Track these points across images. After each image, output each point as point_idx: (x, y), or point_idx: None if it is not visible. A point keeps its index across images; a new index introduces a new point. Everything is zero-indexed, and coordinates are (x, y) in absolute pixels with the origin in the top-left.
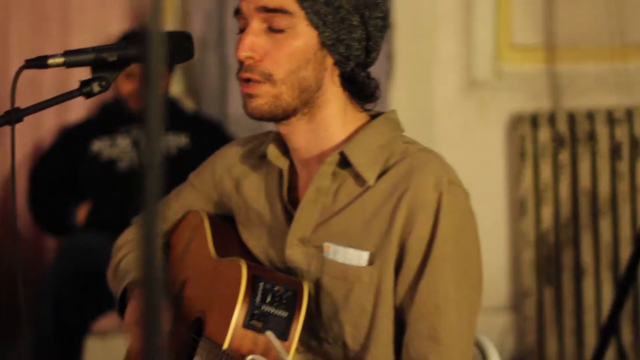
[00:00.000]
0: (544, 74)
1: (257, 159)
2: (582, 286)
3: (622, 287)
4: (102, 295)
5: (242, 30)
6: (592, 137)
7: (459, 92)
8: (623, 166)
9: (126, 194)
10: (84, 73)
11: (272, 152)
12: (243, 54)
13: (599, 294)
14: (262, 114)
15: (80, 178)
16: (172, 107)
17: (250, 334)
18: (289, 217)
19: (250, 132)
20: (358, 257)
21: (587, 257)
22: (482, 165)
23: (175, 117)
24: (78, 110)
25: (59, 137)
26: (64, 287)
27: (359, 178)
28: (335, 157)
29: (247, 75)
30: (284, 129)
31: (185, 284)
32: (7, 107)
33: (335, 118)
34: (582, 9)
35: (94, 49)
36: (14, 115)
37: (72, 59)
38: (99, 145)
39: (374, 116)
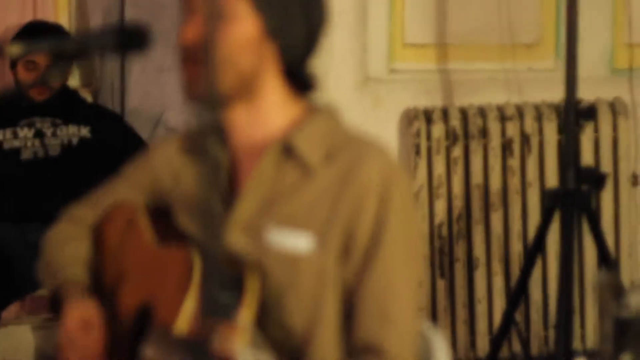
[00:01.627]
0: (437, 71)
1: (194, 150)
2: (474, 278)
3: (523, 274)
4: (7, 285)
5: (185, 13)
6: (484, 133)
7: (354, 88)
8: (514, 162)
9: (29, 184)
10: None
11: (212, 141)
12: (182, 41)
13: (490, 286)
14: (197, 98)
15: None
16: (73, 98)
17: (200, 318)
18: (229, 205)
19: (148, 126)
20: (301, 242)
21: (479, 249)
22: None
23: (77, 108)
24: None
25: None
26: None
27: (302, 164)
28: (278, 144)
29: (189, 60)
30: (224, 117)
31: (123, 275)
32: None
33: (276, 108)
34: (473, 9)
35: (53, 39)
36: None
37: (31, 47)
38: (1, 136)
39: (312, 109)
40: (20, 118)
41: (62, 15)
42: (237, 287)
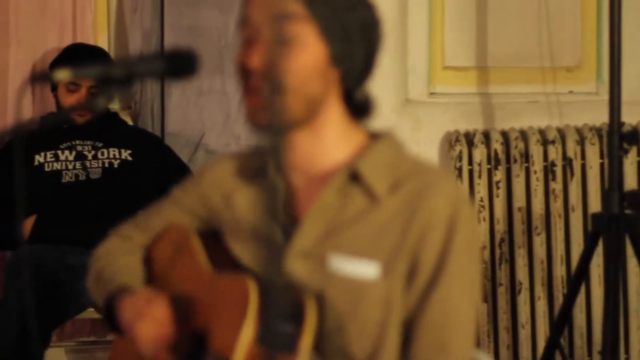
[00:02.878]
0: (477, 95)
1: (249, 173)
2: (517, 302)
3: (568, 300)
4: (53, 307)
5: (247, 41)
6: (526, 156)
7: (393, 111)
8: (556, 185)
9: (70, 206)
10: None
11: (270, 166)
12: (255, 63)
13: (533, 311)
14: (265, 125)
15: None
16: (114, 121)
17: (259, 350)
18: (287, 232)
19: (188, 149)
20: (367, 270)
21: (521, 274)
22: None
23: (118, 131)
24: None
25: (1, 150)
26: (21, 302)
27: (368, 193)
28: (345, 172)
29: (256, 85)
30: (284, 141)
31: (175, 299)
32: None
33: (337, 133)
34: (513, 32)
35: (100, 64)
36: (19, 130)
37: (79, 73)
38: (42, 158)
39: (373, 135)
40: (61, 140)
41: (101, 38)
42: (296, 317)
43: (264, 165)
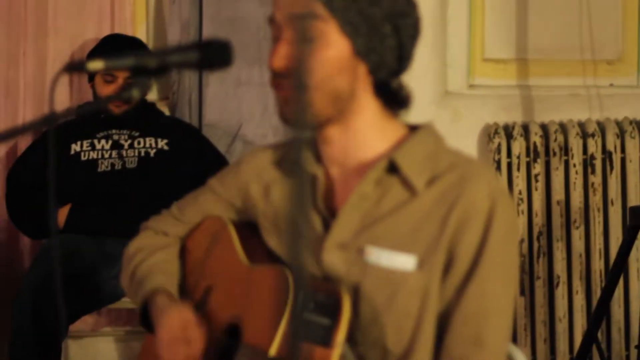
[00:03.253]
0: (517, 87)
1: (287, 165)
2: (555, 296)
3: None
4: (82, 297)
5: (275, 39)
6: (565, 149)
7: (433, 103)
8: (596, 179)
9: (106, 195)
10: None
11: (308, 159)
12: (275, 62)
13: (571, 304)
14: (294, 120)
15: (60, 180)
16: (151, 111)
17: (296, 342)
18: (325, 224)
19: (226, 139)
20: (404, 262)
21: (559, 267)
22: None
23: (155, 121)
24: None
25: (37, 139)
26: (44, 290)
27: (406, 185)
28: (383, 163)
29: (281, 82)
30: (319, 136)
31: (211, 289)
32: None
33: (371, 126)
34: (554, 24)
35: (134, 54)
36: (53, 119)
37: (112, 63)
38: (78, 147)
39: (412, 127)
40: (97, 130)
41: (140, 29)
42: (331, 309)
43: (299, 156)
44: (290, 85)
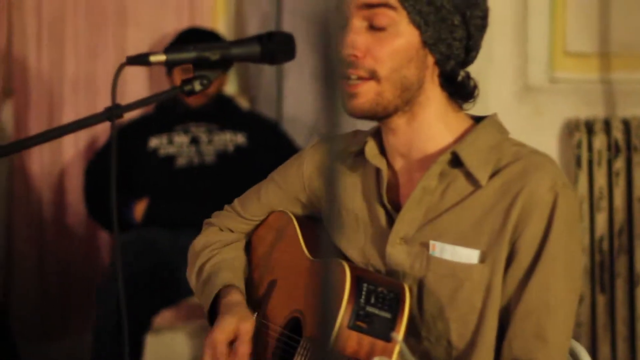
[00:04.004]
0: (599, 81)
1: (351, 157)
2: (636, 294)
3: None
4: (160, 291)
5: (342, 27)
6: None
7: (514, 98)
8: None
9: (184, 190)
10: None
11: (370, 150)
12: (346, 50)
13: None
14: (363, 112)
15: (137, 174)
16: (229, 105)
17: (354, 334)
18: (389, 217)
19: (306, 132)
20: (468, 255)
21: None
22: None
23: (233, 115)
24: None
25: (116, 134)
26: (124, 285)
27: (470, 178)
28: (447, 157)
29: (351, 71)
30: (385, 127)
31: (275, 283)
32: (64, 101)
33: (436, 118)
34: (636, 17)
35: (195, 47)
36: (115, 112)
37: (174, 56)
38: (157, 142)
39: (476, 119)
40: (175, 124)
41: (220, 21)
42: (393, 303)
43: (363, 150)
44: (357, 74)
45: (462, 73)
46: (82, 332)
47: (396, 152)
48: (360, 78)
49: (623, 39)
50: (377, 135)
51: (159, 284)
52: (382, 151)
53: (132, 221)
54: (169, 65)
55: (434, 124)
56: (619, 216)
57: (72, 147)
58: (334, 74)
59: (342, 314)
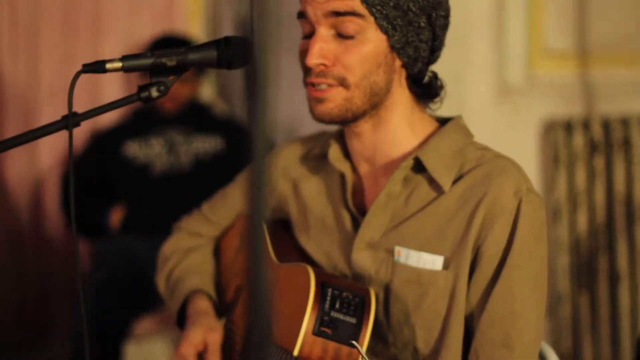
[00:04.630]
0: (577, 79)
1: (314, 160)
2: (618, 292)
3: None
4: (139, 298)
5: (306, 36)
6: (626, 142)
7: (492, 97)
8: None
9: (160, 196)
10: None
11: (334, 154)
12: (314, 61)
13: (634, 300)
14: (331, 117)
15: (114, 181)
16: (205, 110)
17: (320, 340)
18: (355, 222)
19: (283, 135)
20: (432, 261)
21: (622, 262)
22: None
23: (209, 120)
24: (110, 113)
25: (92, 141)
26: (102, 292)
27: (433, 183)
28: (409, 162)
29: (320, 80)
30: (352, 130)
31: (242, 288)
32: (39, 111)
33: (402, 121)
34: (614, 14)
35: (152, 54)
36: (72, 120)
37: (130, 63)
38: (133, 149)
39: (441, 122)
40: (152, 130)
41: (196, 26)
42: (359, 308)
43: (327, 153)
44: (327, 82)
45: (429, 73)
46: (61, 341)
47: (361, 156)
48: (329, 86)
49: (601, 37)
50: (341, 138)
51: (137, 291)
52: (346, 154)
53: (109, 228)
54: (127, 72)
55: (399, 128)
56: (599, 214)
57: (49, 154)
58: (256, 88)
59: (306, 320)
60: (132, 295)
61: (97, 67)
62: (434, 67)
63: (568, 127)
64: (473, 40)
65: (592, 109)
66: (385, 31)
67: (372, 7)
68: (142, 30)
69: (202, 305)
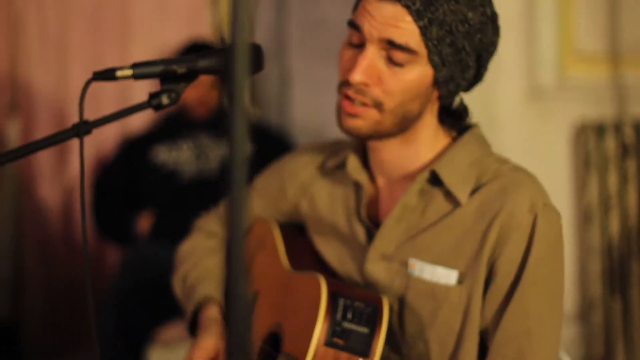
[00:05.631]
0: (609, 81)
1: (330, 168)
2: None
3: None
4: (165, 305)
5: (353, 44)
6: None
7: (523, 100)
8: None
9: (189, 202)
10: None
11: (352, 163)
12: (358, 78)
13: None
14: (359, 134)
15: (143, 187)
16: None
17: (332, 351)
18: (369, 232)
19: (311, 140)
20: (447, 276)
21: None
22: (547, 174)
23: None
24: (141, 119)
25: (122, 147)
26: (126, 299)
27: (449, 196)
28: (425, 175)
29: (357, 97)
30: (375, 145)
31: (256, 296)
32: (69, 117)
33: (426, 140)
34: None
35: (162, 61)
36: (83, 128)
37: (141, 71)
38: (162, 155)
39: (459, 131)
40: (181, 135)
41: (224, 29)
42: (371, 317)
43: (345, 163)
44: (364, 101)
45: (458, 101)
46: (90, 347)
47: (380, 169)
48: (364, 105)
49: (632, 38)
50: (359, 149)
51: (163, 297)
52: (364, 165)
53: (138, 234)
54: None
55: (423, 147)
56: (631, 218)
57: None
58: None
59: (318, 331)
60: (158, 301)
61: (107, 74)
62: None
63: (600, 130)
64: (503, 44)
65: (624, 111)
66: (434, 66)
67: (430, 41)
68: (170, 35)
69: (214, 314)
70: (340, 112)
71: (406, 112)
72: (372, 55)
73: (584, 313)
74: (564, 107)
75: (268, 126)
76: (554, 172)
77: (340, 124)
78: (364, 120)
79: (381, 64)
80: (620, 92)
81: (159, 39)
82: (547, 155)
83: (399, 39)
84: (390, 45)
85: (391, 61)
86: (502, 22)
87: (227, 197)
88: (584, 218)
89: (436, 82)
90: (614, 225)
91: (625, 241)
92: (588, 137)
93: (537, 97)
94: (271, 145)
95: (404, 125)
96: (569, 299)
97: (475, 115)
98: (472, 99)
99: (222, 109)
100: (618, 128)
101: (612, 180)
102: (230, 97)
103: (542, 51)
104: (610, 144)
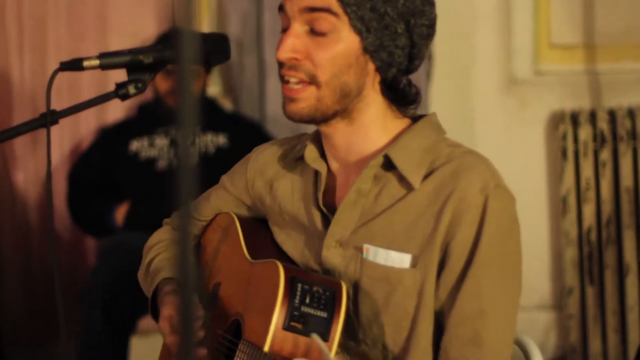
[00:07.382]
0: (584, 72)
1: (291, 160)
2: (625, 285)
3: None
4: (143, 294)
5: (284, 30)
6: (633, 135)
7: (499, 91)
8: None
9: (165, 193)
10: (122, 75)
11: (310, 154)
12: (284, 55)
13: None
14: (301, 116)
15: (119, 178)
16: (210, 106)
17: (290, 335)
18: (325, 220)
19: (288, 132)
20: (400, 260)
21: (629, 255)
22: (523, 164)
23: (214, 116)
24: (116, 110)
25: (98, 138)
26: (109, 288)
27: (402, 181)
28: (379, 160)
29: (291, 73)
30: (324, 130)
31: (219, 286)
32: (44, 108)
33: (375, 122)
34: (621, 8)
35: (129, 51)
36: (50, 118)
37: (108, 61)
38: (138, 145)
39: (415, 119)
40: (157, 126)
41: (200, 21)
42: (330, 302)
43: (303, 153)
44: (298, 77)
45: (404, 80)
46: (69, 337)
47: (334, 155)
48: (301, 82)
49: (607, 30)
50: (317, 138)
51: (140, 287)
52: (323, 154)
53: (114, 225)
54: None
55: (372, 128)
56: (607, 207)
57: (57, 151)
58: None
59: (276, 315)
60: (137, 291)
61: (75, 65)
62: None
63: (575, 120)
64: (480, 34)
65: (599, 101)
66: (358, 32)
67: (348, 6)
68: (148, 27)
69: (172, 288)
70: (283, 100)
71: (343, 85)
72: (295, 31)
73: (560, 302)
74: (539, 98)
75: (244, 117)
76: (530, 162)
77: (284, 111)
78: (304, 101)
79: (306, 39)
80: (595, 83)
81: (137, 30)
82: (523, 145)
83: (318, 3)
84: (311, 12)
85: (314, 32)
86: (479, 13)
87: (175, 182)
88: (559, 207)
89: (366, 51)
90: (590, 215)
91: (601, 230)
92: (563, 127)
93: (513, 88)
94: (246, 136)
95: (345, 102)
96: (545, 288)
97: (452, 105)
98: (448, 89)
99: (197, 99)
100: (593, 118)
101: (588, 169)
102: (176, 86)
103: (518, 42)
104: (586, 133)
